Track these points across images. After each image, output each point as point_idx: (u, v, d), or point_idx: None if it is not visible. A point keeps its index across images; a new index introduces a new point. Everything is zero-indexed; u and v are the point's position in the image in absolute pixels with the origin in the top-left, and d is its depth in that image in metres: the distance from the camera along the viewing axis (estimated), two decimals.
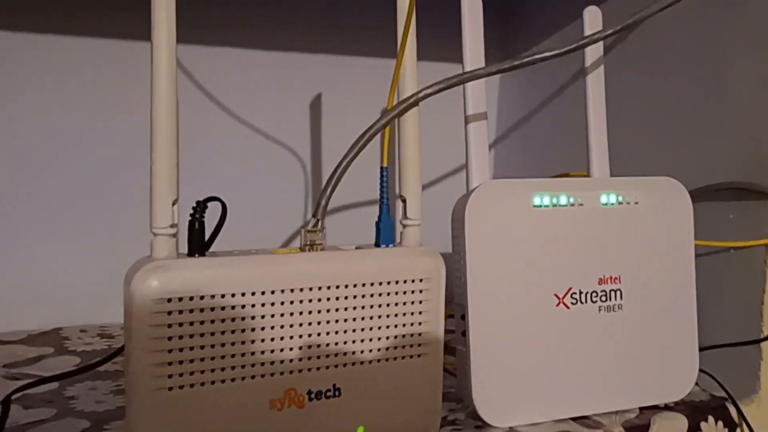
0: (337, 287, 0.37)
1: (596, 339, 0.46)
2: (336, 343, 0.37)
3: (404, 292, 0.39)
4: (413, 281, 0.39)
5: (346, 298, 0.37)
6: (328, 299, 0.37)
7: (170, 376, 0.33)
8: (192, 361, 0.34)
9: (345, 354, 0.37)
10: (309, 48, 0.73)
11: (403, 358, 0.39)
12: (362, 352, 0.38)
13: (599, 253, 0.46)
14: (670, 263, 0.48)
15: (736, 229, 0.51)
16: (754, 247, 0.49)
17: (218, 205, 0.37)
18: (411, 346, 0.39)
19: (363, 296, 0.38)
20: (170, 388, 0.33)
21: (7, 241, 0.64)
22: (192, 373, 0.34)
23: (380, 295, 0.38)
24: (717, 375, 0.50)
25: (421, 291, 0.39)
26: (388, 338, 0.38)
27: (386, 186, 0.39)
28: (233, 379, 0.35)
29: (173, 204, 0.34)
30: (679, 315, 0.48)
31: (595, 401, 0.46)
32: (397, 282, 0.38)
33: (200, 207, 0.35)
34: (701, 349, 0.50)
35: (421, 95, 0.39)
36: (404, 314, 0.39)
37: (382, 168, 0.39)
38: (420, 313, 0.39)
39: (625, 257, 0.47)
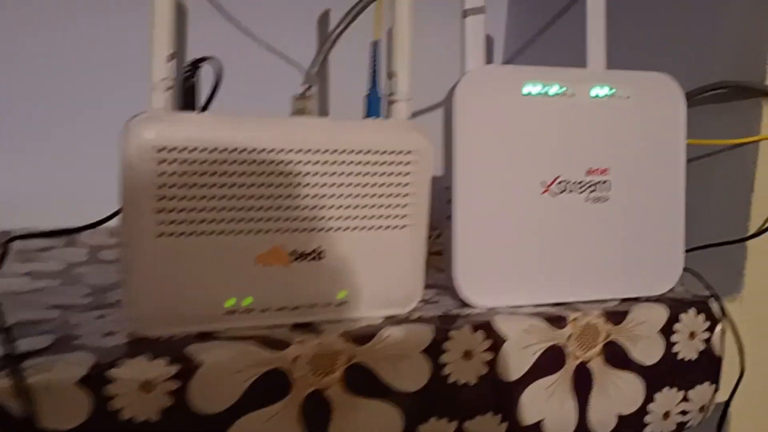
0: (323, 153, 0.38)
1: (581, 228, 0.47)
2: (321, 208, 0.39)
3: (390, 163, 0.40)
4: (399, 153, 0.40)
5: (332, 164, 0.38)
6: (314, 163, 0.38)
7: (161, 223, 0.35)
8: (182, 210, 0.35)
9: (330, 219, 0.39)
10: None
11: (387, 228, 0.40)
12: (346, 218, 0.39)
13: (588, 144, 0.47)
14: (660, 159, 0.49)
15: (727, 129, 0.51)
16: (744, 146, 0.50)
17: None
18: (395, 217, 0.41)
19: (349, 164, 0.39)
20: (160, 234, 0.35)
21: None
22: (182, 223, 0.35)
23: (366, 164, 0.39)
24: (703, 275, 0.51)
25: (407, 163, 0.40)
26: (372, 207, 0.40)
27: (377, 60, 0.40)
28: (222, 232, 0.36)
29: (170, 59, 0.35)
30: (667, 211, 0.49)
31: (576, 289, 0.47)
32: (383, 152, 0.40)
33: (194, 65, 0.36)
34: (688, 250, 0.51)
35: None
36: (389, 185, 0.40)
37: (373, 42, 0.40)
38: (405, 185, 0.40)
39: (614, 150, 0.47)
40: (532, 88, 0.45)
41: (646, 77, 0.49)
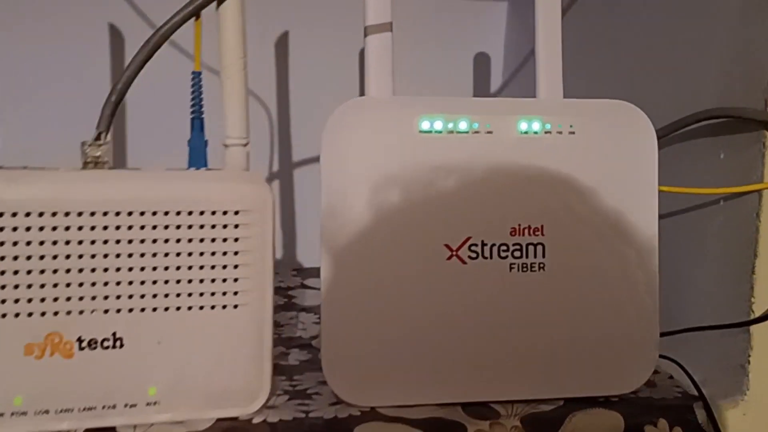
0: (116, 215, 0.30)
1: (504, 305, 0.36)
2: (117, 283, 0.30)
3: (212, 227, 0.31)
4: (225, 213, 0.31)
5: (129, 229, 0.30)
6: (105, 228, 0.30)
7: None
8: None
9: (129, 297, 0.31)
10: None
11: (212, 308, 0.32)
12: (154, 296, 0.31)
13: (513, 195, 0.36)
14: (619, 213, 0.36)
15: (721, 172, 0.38)
16: (743, 196, 0.36)
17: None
18: (223, 293, 0.32)
19: (153, 228, 0.31)
20: None
21: None
22: None
23: (178, 227, 0.31)
24: (693, 368, 0.38)
25: (236, 226, 0.31)
26: (188, 282, 0.31)
27: (198, 95, 0.32)
28: None
29: None
30: (632, 282, 0.37)
31: (498, 385, 0.36)
32: (202, 213, 0.31)
33: None
34: (666, 333, 0.38)
35: None
36: (212, 254, 0.31)
37: (193, 73, 0.32)
38: (236, 253, 0.32)
39: (551, 203, 0.36)
40: (431, 124, 0.35)
41: (601, 107, 0.37)
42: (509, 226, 0.36)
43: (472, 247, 0.35)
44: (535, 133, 0.36)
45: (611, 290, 0.36)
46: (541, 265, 0.36)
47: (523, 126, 0.36)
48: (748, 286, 0.36)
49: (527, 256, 0.36)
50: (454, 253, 0.35)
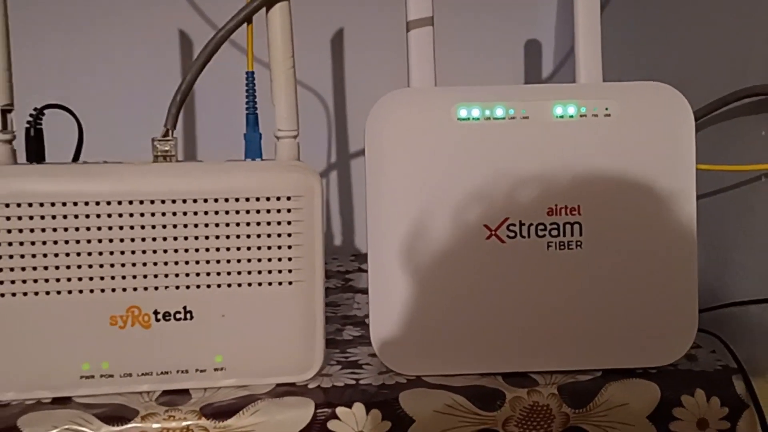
0: (183, 202, 0.34)
1: (541, 281, 0.37)
2: (186, 262, 0.34)
3: (267, 211, 0.35)
4: (278, 199, 0.35)
5: (195, 214, 0.34)
6: (174, 214, 0.34)
7: (1, 283, 0.33)
8: (24, 269, 0.33)
9: (197, 275, 0.34)
10: None
11: (269, 284, 0.35)
12: (218, 274, 0.35)
13: (550, 177, 0.37)
14: (656, 192, 0.38)
15: (764, 150, 0.38)
16: None
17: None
18: (279, 271, 0.35)
19: (216, 213, 0.34)
20: (2, 295, 0.33)
21: None
22: (25, 282, 0.33)
23: (237, 212, 0.34)
24: (735, 343, 0.39)
25: (289, 210, 0.35)
26: (248, 261, 0.35)
27: (252, 93, 0.35)
28: (70, 291, 0.34)
29: (6, 111, 0.33)
30: (670, 257, 0.38)
31: (537, 357, 0.38)
32: (258, 199, 0.34)
33: (37, 114, 0.34)
34: (706, 309, 0.39)
35: None
36: (269, 236, 0.35)
37: (247, 73, 0.35)
38: (289, 235, 0.35)
39: (587, 184, 0.37)
40: (468, 112, 0.37)
41: (637, 89, 0.38)
42: (546, 206, 0.37)
43: (511, 227, 0.37)
44: (571, 117, 0.37)
45: (647, 266, 0.37)
46: (578, 243, 0.37)
47: (559, 110, 0.37)
48: None
49: (564, 235, 0.37)
50: (493, 233, 0.37)
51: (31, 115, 0.34)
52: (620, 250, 0.37)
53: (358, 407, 0.34)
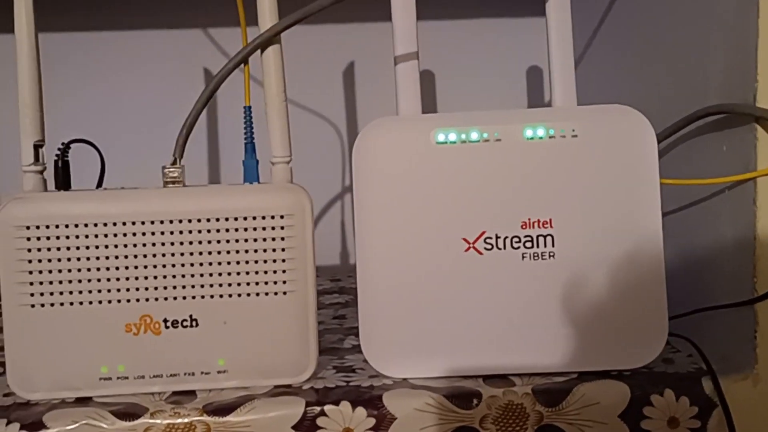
0: (190, 221, 0.38)
1: (518, 289, 0.40)
2: (192, 275, 0.39)
3: (264, 228, 0.39)
4: (273, 218, 0.39)
5: (200, 232, 0.38)
6: (181, 232, 0.38)
7: (32, 295, 0.38)
8: (51, 282, 0.38)
9: (202, 286, 0.39)
10: None
11: (266, 294, 0.39)
12: (220, 285, 0.39)
13: (522, 193, 0.41)
14: (623, 205, 0.40)
15: (723, 163, 0.41)
16: (742, 184, 0.39)
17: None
18: (275, 282, 0.39)
19: (218, 231, 0.38)
20: (32, 306, 0.38)
21: None
22: (52, 294, 0.38)
23: (237, 230, 0.39)
24: (711, 346, 0.41)
25: (282, 227, 0.39)
26: (247, 273, 0.39)
27: (249, 125, 0.40)
28: (90, 302, 0.38)
29: (38, 146, 0.38)
30: (636, 267, 0.40)
31: (516, 359, 0.41)
32: (254, 218, 0.39)
33: (64, 148, 0.39)
34: (679, 316, 0.41)
35: (279, 27, 0.39)
36: (265, 250, 0.39)
37: (245, 108, 0.39)
38: (283, 249, 0.39)
39: (558, 198, 0.41)
40: (446, 136, 0.41)
41: (602, 111, 0.41)
42: (520, 220, 0.41)
43: (487, 240, 0.41)
44: (540, 138, 0.41)
45: (617, 275, 0.40)
46: (551, 254, 0.41)
47: (529, 132, 0.41)
48: (750, 266, 0.39)
49: (538, 246, 0.41)
50: (471, 245, 0.41)
51: (58, 149, 0.39)
52: (591, 259, 0.40)
53: (345, 405, 0.37)
